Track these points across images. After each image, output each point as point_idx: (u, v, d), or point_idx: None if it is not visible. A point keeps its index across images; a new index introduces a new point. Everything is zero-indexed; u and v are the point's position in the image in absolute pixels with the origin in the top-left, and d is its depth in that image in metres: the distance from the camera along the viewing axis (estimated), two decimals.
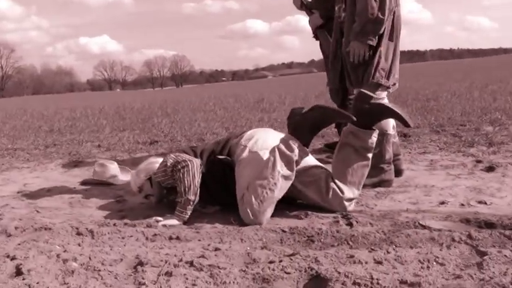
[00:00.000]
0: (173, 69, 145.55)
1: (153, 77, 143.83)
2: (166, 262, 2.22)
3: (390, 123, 3.79)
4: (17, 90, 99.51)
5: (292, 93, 17.93)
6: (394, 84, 3.80)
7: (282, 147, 3.03)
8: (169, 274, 2.08)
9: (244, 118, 9.38)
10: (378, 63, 3.66)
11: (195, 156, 3.30)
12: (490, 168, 4.01)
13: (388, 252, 2.30)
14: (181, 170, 3.08)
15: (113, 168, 4.52)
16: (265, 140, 3.24)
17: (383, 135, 3.67)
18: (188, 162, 3.11)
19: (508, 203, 3.13)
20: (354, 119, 3.06)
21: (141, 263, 2.23)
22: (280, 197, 3.04)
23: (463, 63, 53.55)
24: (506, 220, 2.69)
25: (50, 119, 12.89)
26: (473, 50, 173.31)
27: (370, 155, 3.24)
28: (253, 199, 2.96)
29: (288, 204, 3.21)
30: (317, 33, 4.79)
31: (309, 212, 3.08)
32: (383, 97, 3.78)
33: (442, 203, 3.23)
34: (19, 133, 9.52)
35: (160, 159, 3.43)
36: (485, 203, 3.13)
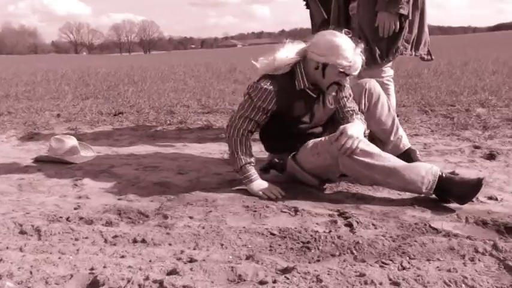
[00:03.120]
0: (141, 35, 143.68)
1: (121, 42, 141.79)
2: (128, 281, 1.73)
3: (395, 103, 3.41)
4: None
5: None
6: (428, 54, 3.42)
7: None
8: None
9: (217, 89, 8.88)
10: (403, 34, 3.24)
11: None
12: (491, 156, 3.68)
13: (403, 268, 1.90)
14: None
15: (72, 144, 3.97)
16: None
17: None
18: None
19: None
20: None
21: (96, 283, 1.74)
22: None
23: (435, 40, 53.73)
24: None
25: (8, 83, 12.12)
26: (443, 28, 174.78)
27: None
28: None
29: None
30: (308, 0, 4.31)
31: (299, 207, 2.63)
32: (390, 74, 3.37)
33: None
34: None
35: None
36: (496, 199, 2.74)
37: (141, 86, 10.10)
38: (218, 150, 4.16)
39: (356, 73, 2.86)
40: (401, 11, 3.17)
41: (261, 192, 2.84)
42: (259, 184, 2.88)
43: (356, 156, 2.71)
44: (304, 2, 4.36)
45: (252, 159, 2.94)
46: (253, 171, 2.91)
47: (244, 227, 2.34)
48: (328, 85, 2.90)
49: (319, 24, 3.87)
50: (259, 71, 2.98)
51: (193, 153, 4.08)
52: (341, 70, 2.79)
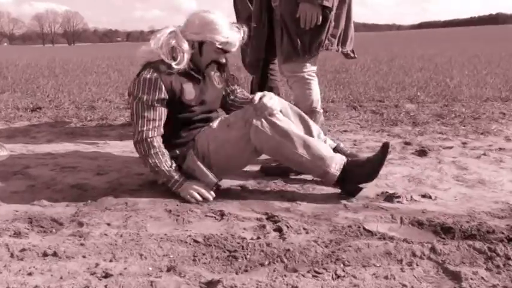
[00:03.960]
0: (65, 26, 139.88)
1: (44, 33, 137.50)
2: None
3: (318, 98, 3.26)
4: None
5: None
6: (353, 50, 3.33)
7: None
8: None
9: None
10: (328, 28, 3.10)
11: None
12: (422, 152, 3.66)
13: (338, 277, 1.77)
14: None
15: None
16: None
17: (312, 112, 3.15)
18: None
19: (454, 196, 2.71)
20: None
21: None
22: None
23: (360, 36, 54.90)
24: (464, 223, 2.23)
25: None
26: (367, 25, 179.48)
27: None
28: None
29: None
30: None
31: (225, 211, 2.46)
32: (312, 69, 3.24)
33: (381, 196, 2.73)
34: None
35: None
36: (430, 197, 2.68)
37: (62, 80, 9.66)
38: None
39: (234, 49, 2.82)
40: (325, 3, 3.03)
41: (188, 196, 2.65)
42: (189, 186, 2.68)
43: (273, 120, 2.67)
44: None
45: (173, 164, 2.74)
46: (178, 175, 2.71)
47: (165, 234, 2.15)
48: (206, 64, 2.83)
49: (246, 18, 3.69)
50: (139, 61, 2.83)
51: (114, 152, 3.84)
52: (218, 46, 2.74)
